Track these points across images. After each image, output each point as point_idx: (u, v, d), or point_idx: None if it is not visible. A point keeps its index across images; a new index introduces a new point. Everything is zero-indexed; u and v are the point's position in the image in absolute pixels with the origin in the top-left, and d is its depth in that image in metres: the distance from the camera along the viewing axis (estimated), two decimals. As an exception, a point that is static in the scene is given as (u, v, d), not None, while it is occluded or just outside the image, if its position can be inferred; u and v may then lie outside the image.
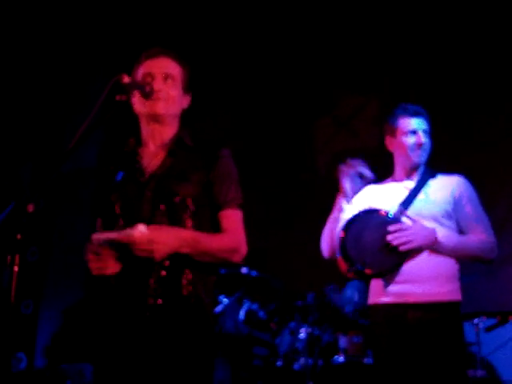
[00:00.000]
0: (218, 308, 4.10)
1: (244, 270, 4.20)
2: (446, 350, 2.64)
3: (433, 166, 2.95)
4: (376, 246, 2.70)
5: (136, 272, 2.03)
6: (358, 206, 2.87)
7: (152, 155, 2.18)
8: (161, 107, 2.14)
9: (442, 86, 4.95)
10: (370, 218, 2.77)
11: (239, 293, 4.26)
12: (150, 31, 5.39)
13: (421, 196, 2.82)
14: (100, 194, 2.22)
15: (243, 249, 2.15)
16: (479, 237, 2.77)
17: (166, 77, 2.16)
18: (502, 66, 4.78)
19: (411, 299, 2.70)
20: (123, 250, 1.96)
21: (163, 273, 2.03)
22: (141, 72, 2.18)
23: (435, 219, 2.76)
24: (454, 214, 2.80)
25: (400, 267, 2.71)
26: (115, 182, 2.17)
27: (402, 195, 2.85)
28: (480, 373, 3.66)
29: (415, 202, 2.81)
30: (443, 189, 2.84)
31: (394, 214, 2.78)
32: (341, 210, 2.89)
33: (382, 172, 3.03)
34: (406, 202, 2.81)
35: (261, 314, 4.32)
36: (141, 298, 2.03)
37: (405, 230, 2.69)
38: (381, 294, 2.78)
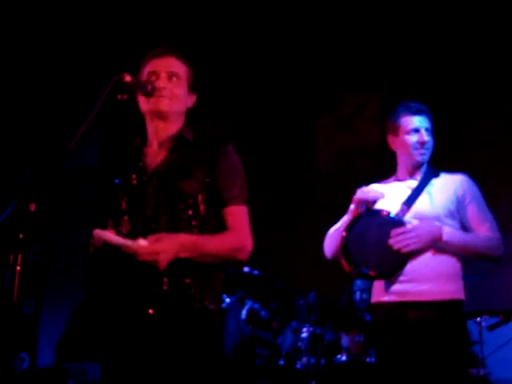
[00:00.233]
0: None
1: (246, 269, 4.19)
2: (448, 348, 2.63)
3: (433, 166, 2.94)
4: (379, 247, 2.68)
5: (138, 280, 2.02)
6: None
7: (155, 153, 2.18)
8: (164, 104, 2.13)
9: (442, 85, 4.95)
10: (372, 218, 2.75)
11: (241, 292, 4.25)
12: (150, 31, 5.39)
13: (424, 195, 2.80)
14: (104, 193, 2.21)
15: (249, 246, 2.13)
16: (485, 234, 2.75)
17: (171, 75, 2.16)
18: (502, 65, 4.78)
19: (413, 298, 2.68)
20: (125, 256, 1.96)
21: (165, 280, 2.02)
22: (146, 71, 2.19)
23: (438, 219, 2.73)
24: (458, 214, 2.78)
25: (403, 268, 2.69)
26: (120, 181, 2.16)
27: (404, 194, 2.83)
28: (482, 371, 3.66)
29: (418, 201, 2.79)
30: (446, 188, 2.81)
31: (397, 214, 2.76)
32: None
33: (383, 171, 3.03)
34: (409, 202, 2.79)
35: (263, 313, 4.30)
36: (143, 307, 2.01)
37: (407, 233, 2.67)
38: (383, 292, 2.77)
